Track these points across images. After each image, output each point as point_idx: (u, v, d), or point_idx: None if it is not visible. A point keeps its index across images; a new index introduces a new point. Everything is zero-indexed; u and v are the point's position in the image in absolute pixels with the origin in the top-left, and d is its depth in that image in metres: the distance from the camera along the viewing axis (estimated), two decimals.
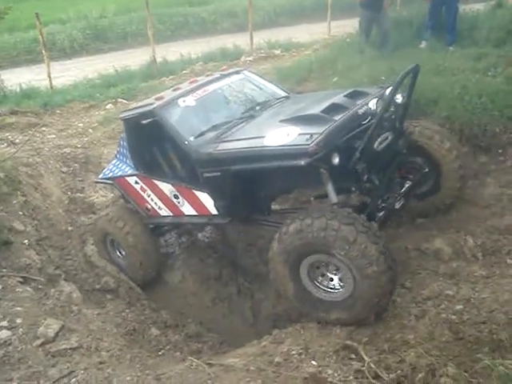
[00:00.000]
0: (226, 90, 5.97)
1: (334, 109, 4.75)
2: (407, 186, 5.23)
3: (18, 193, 7.04)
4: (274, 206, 6.18)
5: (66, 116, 10.77)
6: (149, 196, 6.13)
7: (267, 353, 4.23)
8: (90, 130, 9.89)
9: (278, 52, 13.53)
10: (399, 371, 3.54)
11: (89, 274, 6.69)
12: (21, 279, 5.61)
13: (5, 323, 4.62)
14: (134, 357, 4.67)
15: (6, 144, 8.73)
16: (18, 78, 12.84)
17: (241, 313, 6.40)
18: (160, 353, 5.28)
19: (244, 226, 6.35)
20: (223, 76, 6.22)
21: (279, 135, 4.59)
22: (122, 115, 6.11)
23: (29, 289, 5.48)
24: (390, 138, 4.90)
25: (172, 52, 14.60)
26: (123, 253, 6.64)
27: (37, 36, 13.80)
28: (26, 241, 6.37)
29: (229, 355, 4.62)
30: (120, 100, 11.21)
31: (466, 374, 3.28)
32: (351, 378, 3.63)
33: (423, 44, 9.19)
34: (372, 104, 4.80)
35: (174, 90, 5.96)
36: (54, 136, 9.53)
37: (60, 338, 4.55)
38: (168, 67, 13.50)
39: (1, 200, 6.74)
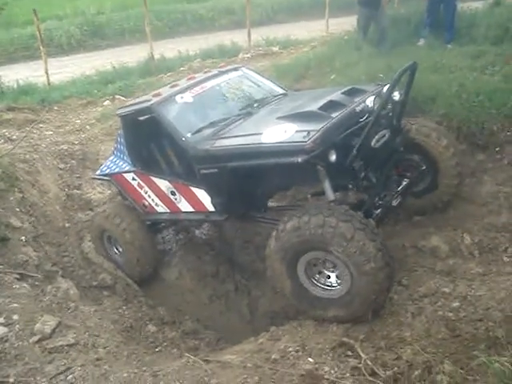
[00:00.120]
0: (224, 87, 5.96)
1: (331, 106, 4.75)
2: (404, 183, 5.23)
3: (15, 189, 7.03)
4: (271, 203, 6.18)
5: (64, 112, 10.74)
6: (146, 192, 6.13)
7: (264, 350, 4.24)
8: (88, 127, 9.88)
9: (275, 49, 13.49)
10: (396, 368, 3.55)
11: (86, 270, 6.69)
12: (17, 276, 5.61)
13: (1, 320, 4.62)
14: (131, 353, 4.67)
15: (3, 140, 8.70)
16: (16, 74, 12.82)
17: (238, 310, 6.41)
18: (157, 349, 5.28)
19: (241, 223, 6.36)
20: (221, 73, 6.21)
21: (276, 132, 4.59)
22: (119, 112, 6.11)
23: (25, 285, 5.48)
24: (387, 135, 4.90)
25: (170, 49, 14.57)
26: (120, 249, 6.64)
27: (34, 32, 13.75)
28: (23, 237, 6.37)
29: (226, 352, 4.63)
30: (117, 97, 11.18)
31: (462, 371, 3.29)
32: (348, 374, 3.64)
33: (421, 42, 9.18)
34: (369, 101, 4.80)
35: (172, 86, 5.95)
36: (51, 132, 9.51)
37: (57, 335, 4.55)
38: (166, 64, 13.47)
39: None
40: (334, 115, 4.58)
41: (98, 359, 4.29)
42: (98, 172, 6.91)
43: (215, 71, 6.32)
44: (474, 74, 7.08)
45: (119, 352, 4.61)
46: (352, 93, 5.07)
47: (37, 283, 5.68)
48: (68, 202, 7.80)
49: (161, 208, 6.11)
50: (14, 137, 8.89)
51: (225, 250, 7.07)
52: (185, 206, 5.74)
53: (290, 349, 4.08)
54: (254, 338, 4.68)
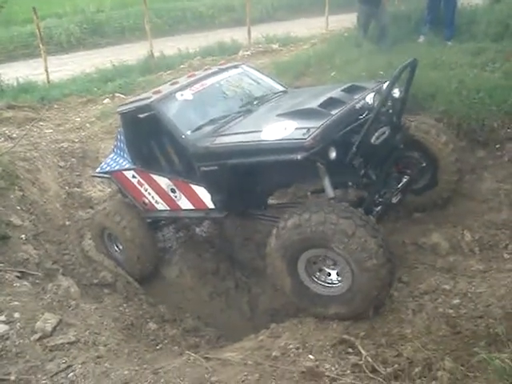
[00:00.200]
0: (224, 85, 5.95)
1: (331, 103, 4.74)
2: (404, 180, 5.23)
3: (16, 187, 7.03)
4: (271, 201, 6.18)
5: (64, 110, 10.75)
6: (146, 190, 6.13)
7: (264, 347, 4.24)
8: (88, 125, 9.88)
9: (275, 46, 13.47)
10: (396, 365, 3.55)
11: (86, 268, 6.69)
12: (18, 274, 5.62)
13: (2, 318, 4.62)
14: (132, 351, 4.68)
15: (3, 138, 8.70)
16: (15, 73, 12.82)
17: (238, 307, 6.41)
18: (158, 347, 5.29)
19: (241, 220, 6.36)
20: (221, 70, 6.21)
21: (276, 129, 4.59)
22: (119, 109, 6.11)
23: (26, 283, 5.48)
24: (387, 132, 4.89)
25: (170, 46, 14.56)
26: (120, 247, 6.64)
27: (34, 30, 13.77)
28: (24, 235, 6.37)
29: (226, 349, 4.63)
30: (117, 94, 11.18)
31: (462, 368, 3.29)
32: (348, 371, 3.64)
33: (421, 39, 9.16)
34: (369, 98, 4.80)
35: (172, 84, 5.95)
36: (51, 130, 9.52)
37: (58, 333, 4.55)
38: (166, 62, 13.47)
39: None
40: (333, 112, 4.58)
41: (98, 357, 4.30)
42: (98, 170, 6.92)
43: (215, 69, 6.32)
44: (475, 71, 7.06)
45: (120, 350, 4.61)
46: (352, 90, 5.07)
47: (37, 281, 5.68)
48: (68, 200, 7.80)
49: (161, 205, 6.11)
50: (14, 135, 8.90)
51: (225, 248, 7.07)
52: (185, 203, 5.74)
53: (291, 346, 4.08)
54: (255, 336, 4.68)
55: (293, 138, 4.39)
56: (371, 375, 3.53)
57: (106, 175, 6.73)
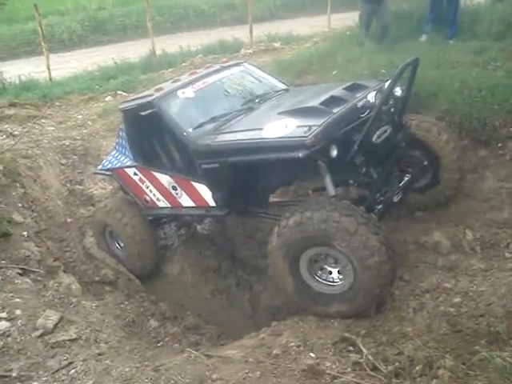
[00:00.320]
0: (226, 82, 5.96)
1: (332, 101, 4.74)
2: (406, 179, 5.22)
3: (17, 185, 7.02)
4: (272, 199, 6.18)
5: (65, 108, 10.74)
6: (147, 187, 6.14)
7: (265, 345, 4.24)
8: (89, 122, 9.87)
9: (277, 45, 13.47)
10: (397, 363, 3.56)
11: (88, 265, 6.70)
12: (20, 271, 5.61)
13: (4, 314, 4.62)
14: (133, 348, 4.68)
15: (5, 136, 8.70)
16: (17, 70, 12.82)
17: (239, 305, 6.42)
18: (159, 344, 5.31)
19: (242, 218, 6.36)
20: (223, 68, 6.22)
21: (277, 127, 4.59)
22: (121, 106, 6.12)
23: (28, 280, 5.48)
24: (388, 131, 4.89)
25: (171, 44, 14.54)
26: (122, 244, 6.65)
27: (36, 28, 13.74)
28: (25, 232, 6.37)
29: (227, 347, 4.64)
30: (119, 92, 11.18)
31: (463, 366, 3.29)
32: (349, 370, 3.64)
33: (423, 37, 9.13)
34: (371, 97, 4.80)
35: (174, 81, 5.95)
36: (53, 128, 9.51)
37: (59, 330, 4.55)
38: (167, 59, 13.46)
39: (0, 192, 6.73)
40: (335, 110, 4.58)
41: (99, 354, 4.29)
42: (99, 167, 6.93)
43: (217, 66, 6.32)
44: (477, 70, 7.05)
45: (121, 347, 4.61)
46: (354, 88, 5.07)
47: (39, 278, 5.68)
48: (70, 197, 7.80)
49: (162, 203, 6.11)
50: (16, 132, 8.90)
51: (226, 246, 7.08)
52: (186, 200, 5.74)
53: (292, 344, 4.08)
54: (256, 333, 4.68)
55: (294, 135, 4.39)
56: (372, 373, 3.53)
57: (107, 172, 6.75)
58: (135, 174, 6.20)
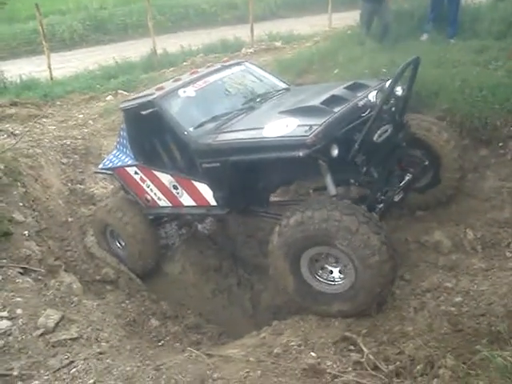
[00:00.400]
0: (227, 82, 5.96)
1: (333, 101, 4.74)
2: (407, 178, 5.22)
3: (18, 184, 7.02)
4: (273, 198, 6.18)
5: (67, 107, 10.75)
6: (148, 186, 6.14)
7: (266, 344, 4.25)
8: (90, 122, 9.87)
9: (278, 44, 13.46)
10: (398, 363, 3.56)
11: (89, 264, 6.70)
12: (21, 270, 5.61)
13: (5, 313, 4.63)
14: (134, 347, 4.68)
15: (6, 135, 8.69)
16: (18, 69, 12.82)
17: (240, 304, 6.43)
18: (160, 343, 5.31)
19: (243, 217, 6.36)
20: (224, 67, 6.21)
21: (278, 126, 4.59)
22: (122, 105, 6.12)
23: (29, 279, 5.48)
24: (389, 130, 4.88)
25: (172, 43, 14.55)
26: (123, 243, 6.66)
27: (37, 27, 13.74)
28: (26, 232, 6.36)
29: (228, 346, 4.64)
30: (120, 91, 11.18)
31: (464, 366, 3.29)
32: (350, 369, 3.65)
33: (424, 36, 9.13)
34: (372, 96, 4.80)
35: (175, 80, 5.96)
36: (54, 127, 9.51)
37: (60, 329, 4.55)
38: (168, 59, 13.47)
39: (1, 191, 6.72)
40: (336, 110, 4.57)
41: (100, 353, 4.30)
42: (100, 166, 6.92)
43: (218, 66, 6.32)
44: (478, 69, 7.05)
45: (122, 346, 4.61)
46: (355, 87, 5.06)
47: (40, 277, 5.68)
48: (71, 196, 7.80)
49: (163, 202, 6.11)
50: (17, 131, 8.89)
51: (227, 245, 7.08)
52: (187, 200, 5.74)
53: (293, 343, 4.09)
54: (257, 333, 4.69)
55: (295, 135, 4.39)
56: (373, 372, 3.54)
57: (108, 172, 6.75)
58: (136, 173, 6.20)
